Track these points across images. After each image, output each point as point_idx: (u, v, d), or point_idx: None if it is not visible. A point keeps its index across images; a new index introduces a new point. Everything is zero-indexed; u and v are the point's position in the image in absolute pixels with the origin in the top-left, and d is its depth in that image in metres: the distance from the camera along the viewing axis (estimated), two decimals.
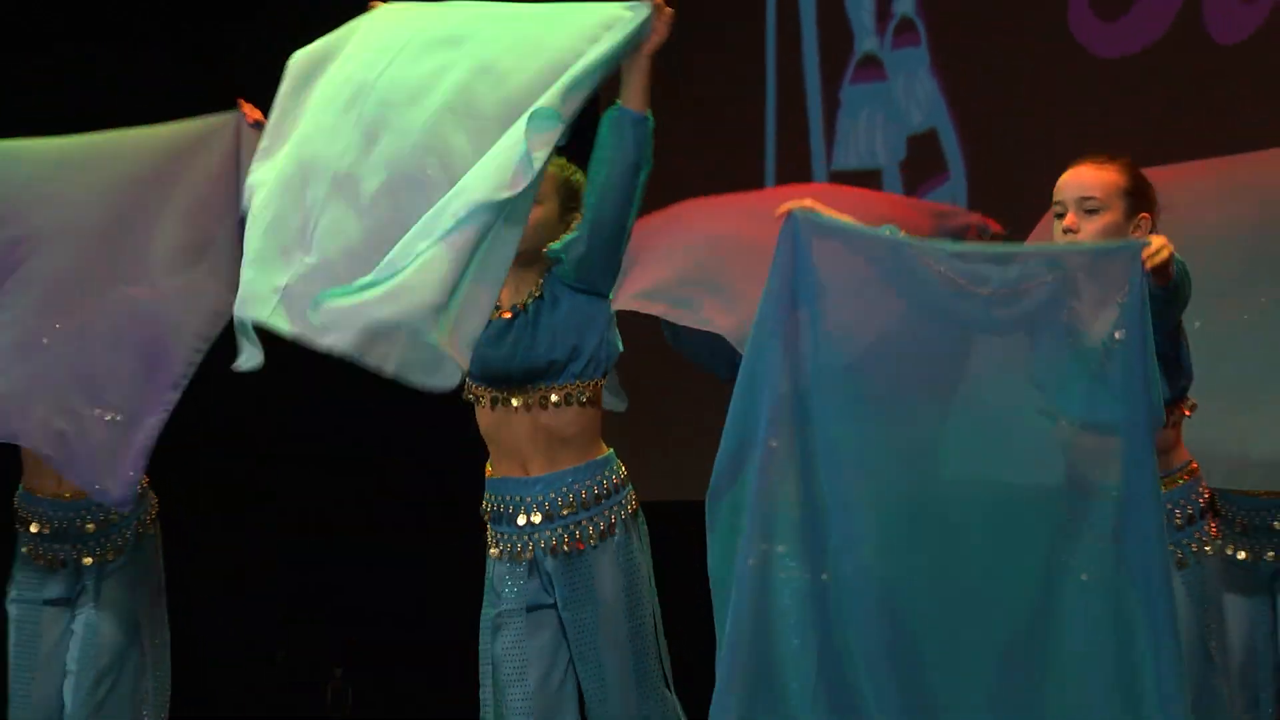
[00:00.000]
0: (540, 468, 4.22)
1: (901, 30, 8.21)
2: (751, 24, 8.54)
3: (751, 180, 8.45)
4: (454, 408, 4.27)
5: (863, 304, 3.99)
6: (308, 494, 8.20)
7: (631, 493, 4.29)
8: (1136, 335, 3.86)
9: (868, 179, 8.30)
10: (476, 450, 4.32)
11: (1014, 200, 7.31)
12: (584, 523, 4.21)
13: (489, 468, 4.30)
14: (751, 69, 8.53)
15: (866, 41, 8.28)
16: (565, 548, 4.19)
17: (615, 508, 4.25)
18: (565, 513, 4.20)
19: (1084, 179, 4.22)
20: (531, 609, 4.23)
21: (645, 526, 4.33)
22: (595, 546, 4.21)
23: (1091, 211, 4.17)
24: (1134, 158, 7.38)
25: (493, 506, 4.28)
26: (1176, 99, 7.53)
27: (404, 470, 8.30)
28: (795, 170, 8.49)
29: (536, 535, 4.21)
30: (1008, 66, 7.86)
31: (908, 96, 8.16)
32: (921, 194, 8.22)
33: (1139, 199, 4.20)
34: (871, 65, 8.26)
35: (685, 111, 8.60)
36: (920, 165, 8.21)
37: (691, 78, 8.57)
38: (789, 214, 3.92)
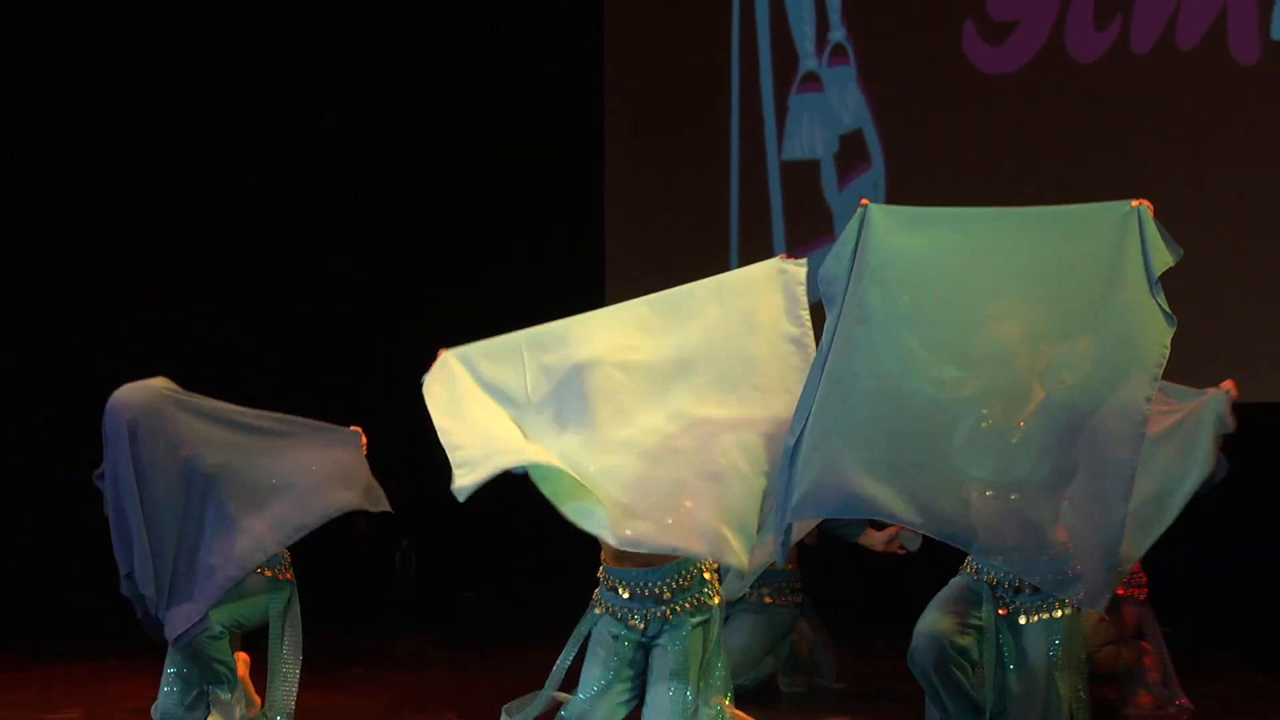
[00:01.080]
0: (659, 562, 4.69)
1: (835, 53, 8.94)
2: (719, 48, 9.26)
3: (721, 167, 9.17)
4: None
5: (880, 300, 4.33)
6: (386, 399, 8.47)
7: (716, 583, 4.74)
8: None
9: (809, 167, 8.83)
10: None
11: (923, 182, 8.51)
12: (678, 602, 4.69)
13: (613, 557, 4.74)
14: (720, 83, 9.26)
15: (808, 62, 9.02)
16: (659, 615, 4.69)
17: (703, 591, 4.71)
18: (666, 595, 4.69)
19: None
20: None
21: (722, 614, 4.76)
22: (685, 613, 4.68)
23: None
24: (1013, 148, 8.28)
25: (612, 583, 4.76)
26: (1046, 104, 8.28)
27: None
28: (754, 159, 9.09)
29: (641, 608, 4.71)
30: (916, 81, 8.67)
31: (840, 104, 8.90)
32: (849, 179, 8.71)
33: None
34: (812, 80, 8.95)
35: (670, 115, 9.42)
36: (849, 157, 8.82)
37: (674, 91, 9.39)
38: (865, 206, 4.35)
